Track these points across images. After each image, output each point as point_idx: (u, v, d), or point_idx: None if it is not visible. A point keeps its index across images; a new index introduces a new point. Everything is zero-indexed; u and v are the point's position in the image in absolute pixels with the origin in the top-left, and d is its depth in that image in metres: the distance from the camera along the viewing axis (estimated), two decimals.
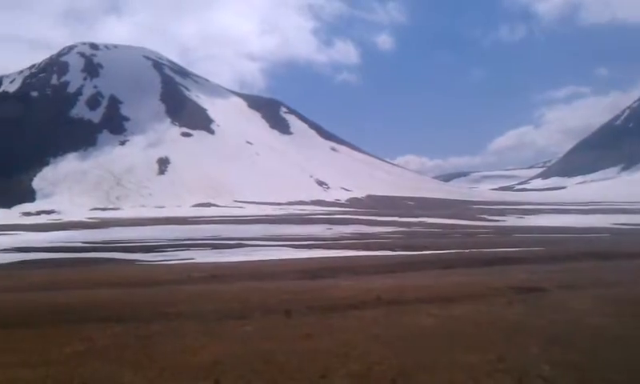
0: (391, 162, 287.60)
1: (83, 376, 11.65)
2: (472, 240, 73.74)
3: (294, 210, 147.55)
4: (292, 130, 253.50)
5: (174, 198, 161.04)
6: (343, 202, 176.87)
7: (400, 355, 13.21)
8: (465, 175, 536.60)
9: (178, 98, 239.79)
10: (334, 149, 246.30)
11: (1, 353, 13.73)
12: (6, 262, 53.39)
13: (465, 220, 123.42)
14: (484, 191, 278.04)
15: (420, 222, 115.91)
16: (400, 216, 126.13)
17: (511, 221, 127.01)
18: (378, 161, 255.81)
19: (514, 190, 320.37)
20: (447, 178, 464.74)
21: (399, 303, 21.44)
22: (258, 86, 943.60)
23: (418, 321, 17.55)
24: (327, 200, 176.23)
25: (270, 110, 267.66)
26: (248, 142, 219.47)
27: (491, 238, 78.83)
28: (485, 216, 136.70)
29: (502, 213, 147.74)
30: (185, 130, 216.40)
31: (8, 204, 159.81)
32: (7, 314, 20.70)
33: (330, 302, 22.05)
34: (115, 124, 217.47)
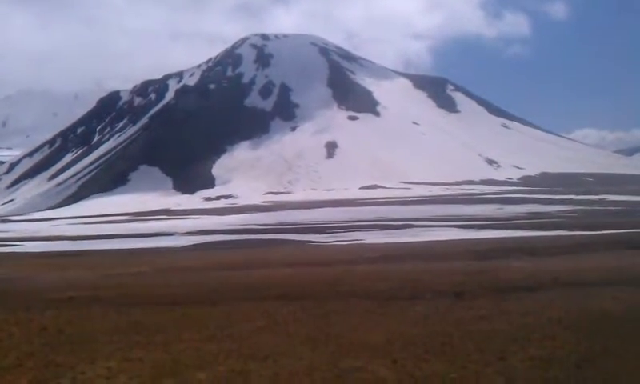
0: (567, 136, 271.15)
1: (265, 350, 12.20)
2: None
3: (463, 189, 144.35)
4: (459, 108, 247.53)
5: (342, 181, 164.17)
6: (515, 180, 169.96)
7: (584, 340, 12.42)
8: None
9: (345, 83, 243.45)
10: (504, 125, 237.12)
11: (189, 329, 14.74)
12: (191, 243, 57.62)
13: None
14: None
15: (600, 199, 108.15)
16: (577, 194, 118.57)
17: None
18: (553, 136, 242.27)
19: None
20: (630, 151, 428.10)
21: (579, 285, 20.21)
22: (424, 65, 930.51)
23: (602, 304, 16.40)
24: (498, 179, 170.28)
25: (437, 88, 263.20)
26: (414, 123, 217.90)
27: None
28: None
29: None
30: (351, 113, 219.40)
31: (191, 190, 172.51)
32: (193, 292, 22.30)
33: (502, 283, 21.32)
34: (286, 111, 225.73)
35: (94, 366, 10.67)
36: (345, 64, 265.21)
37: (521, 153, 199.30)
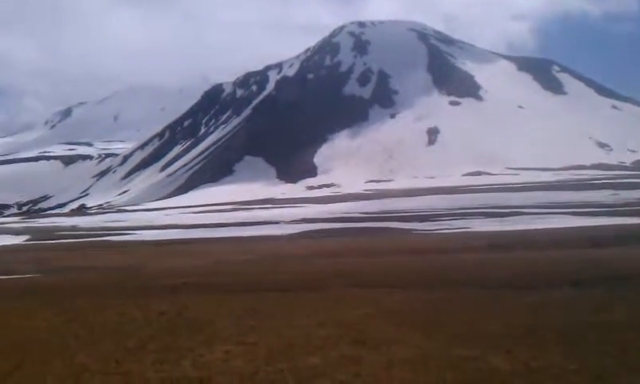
0: None
1: (376, 337, 12.14)
2: None
3: (573, 175, 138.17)
4: (566, 89, 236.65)
5: (445, 168, 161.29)
6: (629, 164, 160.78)
7: None
8: None
9: (444, 67, 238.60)
10: (614, 107, 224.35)
11: (299, 315, 14.91)
12: (295, 231, 58.50)
13: None
14: None
15: None
16: None
17: None
18: None
19: None
20: None
21: None
22: (528, 46, 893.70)
23: None
24: (610, 163, 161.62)
25: (541, 70, 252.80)
26: (519, 107, 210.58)
27: None
28: None
29: None
30: (452, 98, 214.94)
31: (294, 179, 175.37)
32: (300, 279, 22.59)
33: (620, 272, 20.20)
34: (385, 98, 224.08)
35: (212, 349, 11.00)
36: (444, 48, 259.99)
37: (633, 135, 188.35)
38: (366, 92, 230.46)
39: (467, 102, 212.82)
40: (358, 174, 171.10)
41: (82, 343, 11.57)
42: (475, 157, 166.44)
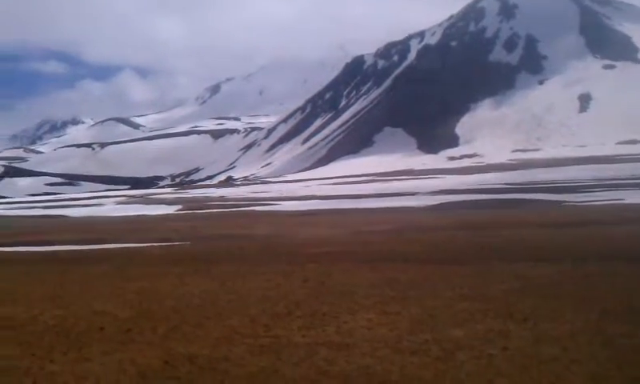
0: None
1: (523, 312, 11.71)
2: None
3: None
4: None
5: (597, 136, 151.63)
6: None
7: None
8: None
9: (599, 29, 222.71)
10: None
11: (441, 286, 14.70)
12: (433, 203, 57.72)
13: None
14: None
15: None
16: None
17: None
18: None
19: None
20: None
21: None
22: None
23: None
24: None
25: None
26: None
27: None
28: None
29: None
30: (607, 62, 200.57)
31: (434, 150, 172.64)
32: (439, 251, 22.25)
33: None
34: (533, 64, 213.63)
35: (355, 317, 11.14)
36: (598, 8, 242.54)
37: None
38: (513, 58, 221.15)
39: (623, 66, 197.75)
40: (502, 143, 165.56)
41: (232, 308, 12.14)
42: (631, 124, 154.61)
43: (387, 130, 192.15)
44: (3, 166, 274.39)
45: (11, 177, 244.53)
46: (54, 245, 30.53)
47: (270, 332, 10.24)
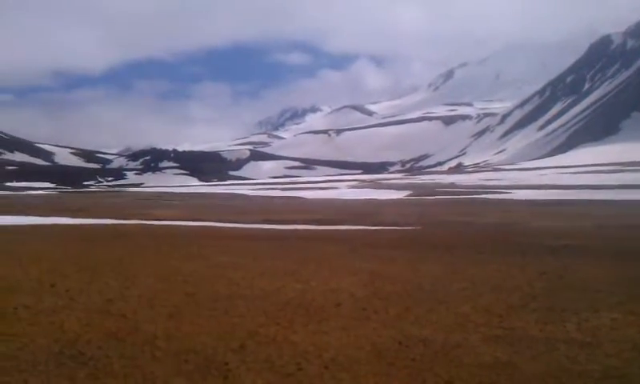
0: None
1: None
2: None
3: None
4: None
5: None
6: None
7: None
8: None
9: None
10: None
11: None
12: None
13: None
14: None
15: None
16: None
17: None
18: None
19: None
20: None
21: None
22: None
23: None
24: None
25: None
26: None
27: None
28: None
29: None
30: None
31: None
32: None
33: None
34: None
35: (598, 315, 10.36)
36: None
37: None
38: None
39: None
40: None
41: (464, 295, 12.00)
42: None
43: (636, 115, 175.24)
44: (249, 150, 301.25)
45: (256, 160, 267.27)
46: (295, 224, 32.81)
47: (505, 323, 9.91)
